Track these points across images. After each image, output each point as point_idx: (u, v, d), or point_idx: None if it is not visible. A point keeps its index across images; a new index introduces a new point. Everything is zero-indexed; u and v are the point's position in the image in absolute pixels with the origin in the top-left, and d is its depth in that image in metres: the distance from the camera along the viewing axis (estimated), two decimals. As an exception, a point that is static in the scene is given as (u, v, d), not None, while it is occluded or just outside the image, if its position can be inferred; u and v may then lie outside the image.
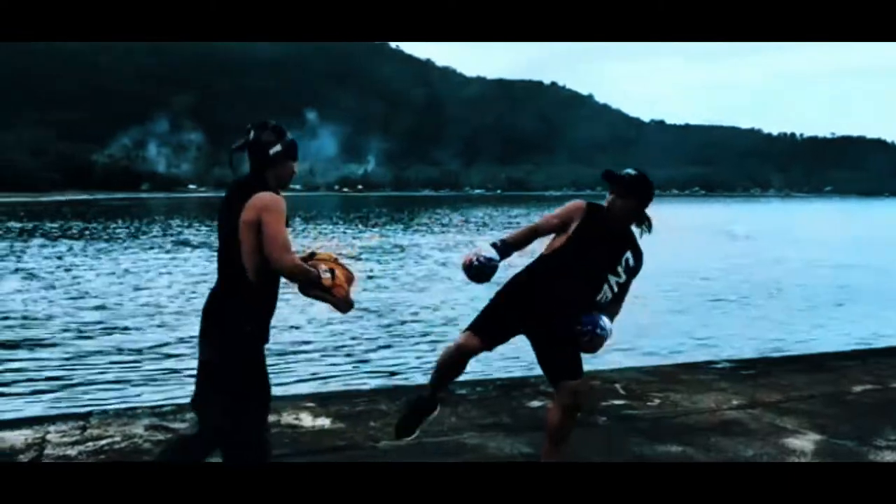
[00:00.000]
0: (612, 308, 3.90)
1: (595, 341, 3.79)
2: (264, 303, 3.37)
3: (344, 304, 3.41)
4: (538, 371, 7.24)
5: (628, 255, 3.91)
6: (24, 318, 13.66)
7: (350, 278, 3.46)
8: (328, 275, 3.37)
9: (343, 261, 3.56)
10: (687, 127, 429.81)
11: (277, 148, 3.39)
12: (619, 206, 3.87)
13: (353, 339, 12.18)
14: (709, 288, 19.00)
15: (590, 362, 9.26)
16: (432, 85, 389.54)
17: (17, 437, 4.85)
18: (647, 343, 11.94)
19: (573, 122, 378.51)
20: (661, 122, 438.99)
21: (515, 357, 10.24)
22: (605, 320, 3.80)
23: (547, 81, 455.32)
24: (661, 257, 26.71)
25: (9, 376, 9.59)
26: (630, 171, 3.91)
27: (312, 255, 3.55)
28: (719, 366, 7.35)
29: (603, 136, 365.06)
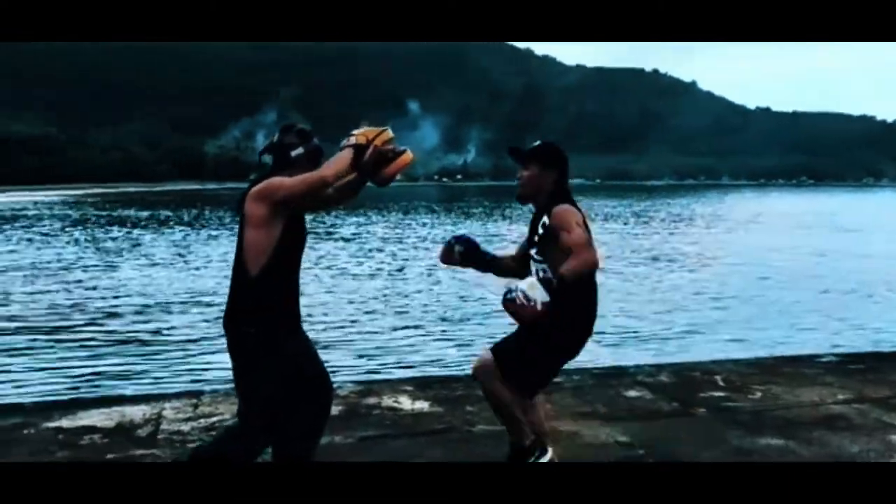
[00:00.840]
0: (568, 266, 3.49)
1: (512, 311, 3.53)
2: (271, 300, 3.26)
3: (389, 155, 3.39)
4: (636, 361, 7.23)
5: (544, 219, 3.70)
6: (144, 300, 14.38)
7: (384, 142, 3.39)
8: (352, 139, 3.34)
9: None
10: (795, 114, 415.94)
11: (299, 151, 3.37)
12: (524, 178, 3.82)
13: (453, 325, 12.34)
14: (814, 280, 18.37)
15: (687, 354, 9.18)
16: (531, 74, 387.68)
17: (137, 412, 5.16)
18: (746, 335, 11.73)
19: (675, 110, 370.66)
20: (767, 110, 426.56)
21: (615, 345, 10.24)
22: (517, 285, 3.52)
23: (648, 69, 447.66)
24: (762, 248, 26.08)
25: (133, 349, 10.17)
26: (536, 143, 3.90)
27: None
28: (824, 360, 7.15)
29: (706, 124, 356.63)
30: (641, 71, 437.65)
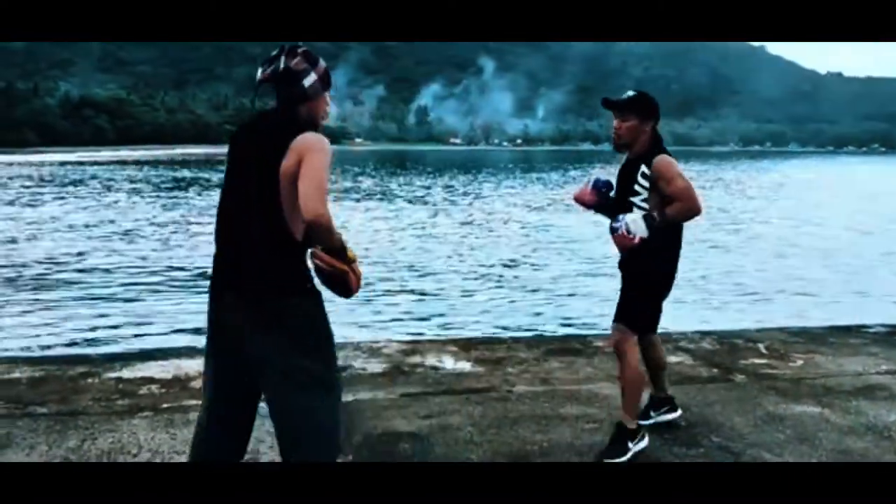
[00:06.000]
0: (674, 209, 3.80)
1: (617, 239, 3.83)
2: (306, 266, 2.76)
3: (353, 285, 2.70)
4: (676, 327, 7.23)
5: (642, 168, 3.86)
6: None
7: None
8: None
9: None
10: (869, 80, 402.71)
11: (313, 78, 2.80)
12: (623, 129, 3.91)
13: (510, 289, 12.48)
14: (876, 248, 17.98)
15: (734, 321, 9.11)
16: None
17: (193, 365, 5.41)
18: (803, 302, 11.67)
19: (743, 76, 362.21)
20: (839, 75, 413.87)
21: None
22: (623, 218, 3.79)
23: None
24: (831, 214, 25.42)
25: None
26: (629, 92, 3.99)
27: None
28: (872, 330, 7.10)
29: (775, 90, 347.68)
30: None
